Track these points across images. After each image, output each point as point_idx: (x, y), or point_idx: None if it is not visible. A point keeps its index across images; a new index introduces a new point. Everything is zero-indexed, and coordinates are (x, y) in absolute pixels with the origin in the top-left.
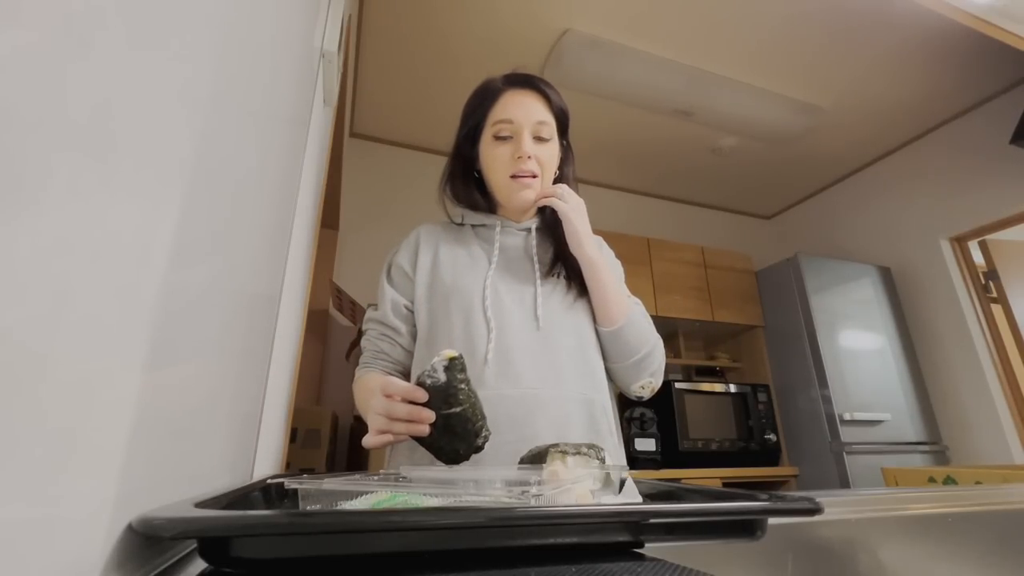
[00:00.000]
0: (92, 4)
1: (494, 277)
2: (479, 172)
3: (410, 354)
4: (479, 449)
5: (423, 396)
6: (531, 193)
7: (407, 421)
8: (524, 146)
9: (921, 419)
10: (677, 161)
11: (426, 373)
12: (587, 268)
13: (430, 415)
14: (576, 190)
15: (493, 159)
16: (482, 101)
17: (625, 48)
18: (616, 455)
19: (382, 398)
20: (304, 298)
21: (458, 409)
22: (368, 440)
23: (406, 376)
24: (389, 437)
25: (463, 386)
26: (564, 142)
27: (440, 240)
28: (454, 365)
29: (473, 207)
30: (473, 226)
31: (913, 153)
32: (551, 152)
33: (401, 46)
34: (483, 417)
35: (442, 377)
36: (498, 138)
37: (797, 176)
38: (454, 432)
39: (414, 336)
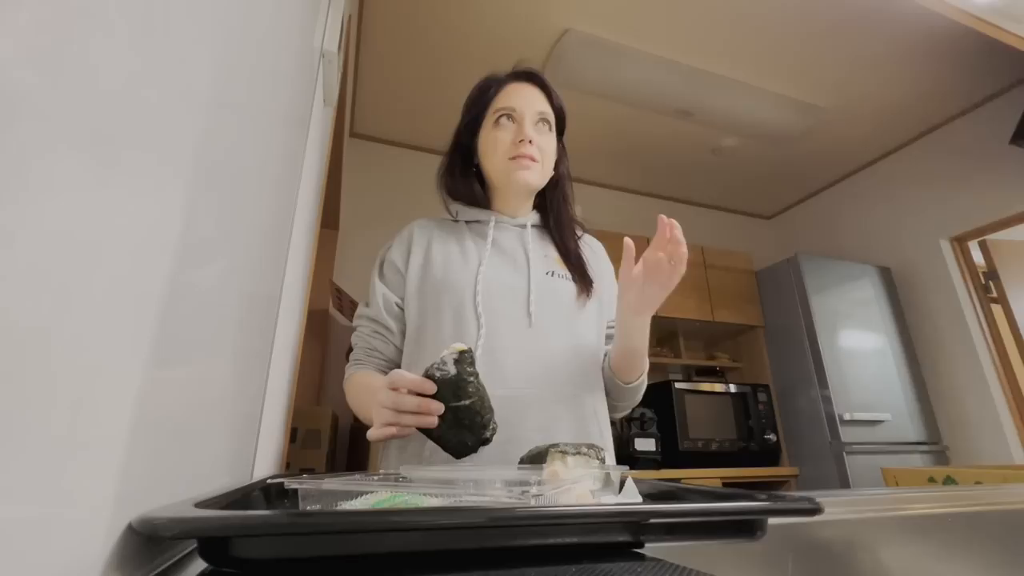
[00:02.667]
0: (93, 3)
1: (486, 272)
2: (477, 166)
3: (401, 352)
4: (487, 441)
5: (432, 388)
6: (530, 175)
7: (415, 413)
8: (526, 129)
9: (921, 419)
10: (677, 161)
11: (435, 366)
12: (641, 329)
13: (439, 407)
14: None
15: (493, 142)
16: (484, 92)
17: (625, 48)
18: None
19: (388, 391)
20: (304, 298)
21: (467, 402)
22: (373, 433)
23: None
24: (394, 430)
25: (472, 379)
26: (560, 142)
27: (433, 236)
28: (464, 358)
29: (469, 201)
30: (467, 222)
31: (913, 153)
32: (552, 142)
33: (401, 46)
34: (491, 410)
35: (452, 370)
36: (499, 124)
37: (797, 176)
38: (462, 425)
39: (404, 334)
